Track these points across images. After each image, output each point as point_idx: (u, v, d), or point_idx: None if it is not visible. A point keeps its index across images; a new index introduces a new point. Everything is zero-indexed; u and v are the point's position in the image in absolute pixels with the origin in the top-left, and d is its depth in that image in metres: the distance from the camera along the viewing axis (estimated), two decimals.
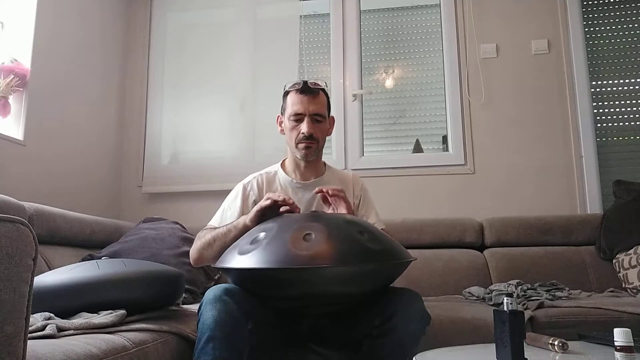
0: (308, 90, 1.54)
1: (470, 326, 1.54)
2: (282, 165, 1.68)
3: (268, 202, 1.35)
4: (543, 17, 2.74)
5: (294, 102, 1.55)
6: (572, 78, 2.66)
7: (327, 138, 1.67)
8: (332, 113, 2.73)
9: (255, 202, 1.59)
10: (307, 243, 1.11)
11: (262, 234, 1.19)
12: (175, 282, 1.39)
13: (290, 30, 2.83)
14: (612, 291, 1.99)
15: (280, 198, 1.35)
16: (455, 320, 1.57)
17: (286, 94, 1.60)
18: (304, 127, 1.53)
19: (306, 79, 1.58)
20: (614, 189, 2.33)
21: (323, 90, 1.59)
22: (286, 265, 1.08)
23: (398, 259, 1.17)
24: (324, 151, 1.68)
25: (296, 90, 1.55)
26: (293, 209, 1.36)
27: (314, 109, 1.54)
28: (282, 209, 1.36)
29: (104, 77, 2.80)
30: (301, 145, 1.55)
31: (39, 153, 2.23)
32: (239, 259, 1.15)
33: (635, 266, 1.96)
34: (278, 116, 1.65)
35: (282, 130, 1.63)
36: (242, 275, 1.19)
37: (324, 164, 1.71)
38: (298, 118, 1.54)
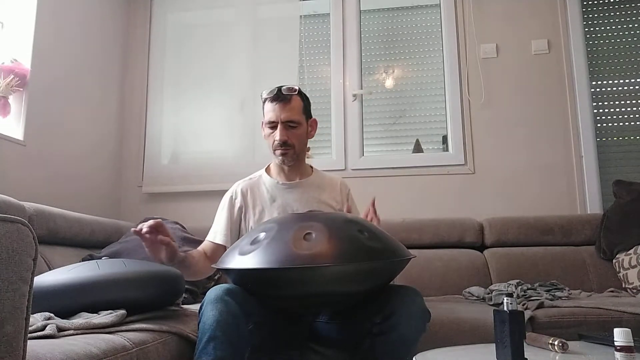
0: (280, 97, 1.57)
1: (470, 326, 1.54)
2: (267, 170, 1.71)
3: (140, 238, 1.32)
4: (543, 17, 2.74)
5: (268, 110, 1.59)
6: (572, 78, 2.66)
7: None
8: (332, 113, 2.70)
9: (241, 209, 1.64)
10: (308, 242, 1.11)
11: (262, 234, 1.18)
12: (175, 282, 1.39)
13: (290, 30, 2.83)
14: (612, 291, 1.99)
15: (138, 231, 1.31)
16: (455, 320, 1.57)
17: (264, 101, 1.62)
18: (277, 135, 1.57)
19: (282, 85, 1.59)
20: (614, 189, 2.33)
21: (300, 94, 1.61)
22: (288, 265, 1.08)
23: (398, 256, 1.18)
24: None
25: (270, 98, 1.58)
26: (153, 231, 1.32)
27: (286, 116, 1.56)
28: (144, 232, 1.31)
29: (104, 77, 2.80)
30: (277, 152, 1.59)
31: (39, 153, 2.23)
32: (240, 260, 1.15)
33: (635, 266, 1.96)
34: (262, 122, 1.67)
35: (265, 135, 1.66)
36: (244, 275, 1.19)
37: (311, 167, 1.73)
38: (272, 125, 1.58)
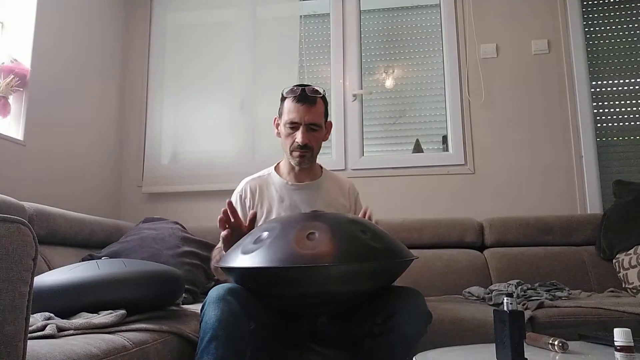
0: (305, 99, 1.52)
1: (470, 326, 1.54)
2: (277, 168, 1.68)
3: (225, 232, 1.33)
4: (543, 17, 2.74)
5: (290, 110, 1.53)
6: (572, 78, 2.66)
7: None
8: (332, 113, 2.71)
9: (250, 208, 1.62)
10: (311, 242, 1.11)
11: (265, 234, 1.18)
12: (175, 282, 1.39)
13: (290, 30, 2.83)
14: (612, 291, 1.99)
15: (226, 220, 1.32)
16: (455, 320, 1.57)
17: (283, 98, 1.58)
18: (298, 137, 1.52)
19: (305, 84, 1.55)
20: (614, 189, 2.33)
21: (322, 97, 1.57)
22: (290, 264, 1.08)
23: (401, 257, 1.18)
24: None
25: (293, 97, 1.53)
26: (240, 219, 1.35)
27: (310, 119, 1.52)
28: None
29: (104, 77, 2.80)
30: (295, 154, 1.56)
31: (39, 153, 2.23)
32: (243, 258, 1.15)
33: (635, 266, 1.96)
34: (275, 118, 1.64)
35: (278, 133, 1.63)
36: (246, 274, 1.19)
37: (320, 167, 1.71)
38: (293, 126, 1.54)
